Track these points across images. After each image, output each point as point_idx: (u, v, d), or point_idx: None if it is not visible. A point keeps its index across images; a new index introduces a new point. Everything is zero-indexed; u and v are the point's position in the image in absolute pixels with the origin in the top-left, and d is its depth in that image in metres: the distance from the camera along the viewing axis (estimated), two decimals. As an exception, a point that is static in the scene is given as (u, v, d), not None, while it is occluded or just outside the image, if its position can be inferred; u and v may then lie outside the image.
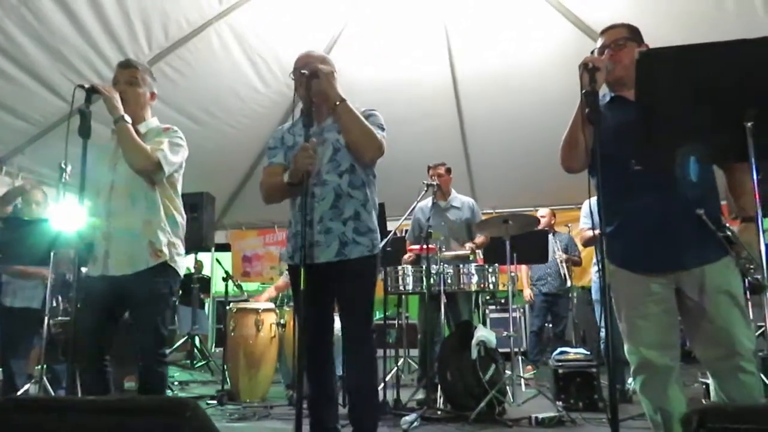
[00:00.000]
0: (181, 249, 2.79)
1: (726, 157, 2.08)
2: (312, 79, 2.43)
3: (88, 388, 2.60)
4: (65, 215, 3.81)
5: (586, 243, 4.87)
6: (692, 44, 1.78)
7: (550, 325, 6.47)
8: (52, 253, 3.63)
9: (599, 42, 2.29)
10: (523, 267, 6.12)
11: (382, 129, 2.61)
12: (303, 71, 2.45)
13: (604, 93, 2.29)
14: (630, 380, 3.83)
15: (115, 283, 2.62)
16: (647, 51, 1.97)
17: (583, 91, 2.03)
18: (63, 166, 3.31)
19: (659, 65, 1.82)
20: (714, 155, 2.04)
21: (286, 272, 3.56)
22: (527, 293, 6.30)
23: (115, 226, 2.66)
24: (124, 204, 2.67)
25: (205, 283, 8.95)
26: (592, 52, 2.25)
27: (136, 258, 2.63)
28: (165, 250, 2.68)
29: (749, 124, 1.79)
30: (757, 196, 1.84)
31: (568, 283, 6.04)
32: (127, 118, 2.65)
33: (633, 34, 2.27)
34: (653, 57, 1.85)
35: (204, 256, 9.16)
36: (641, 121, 1.90)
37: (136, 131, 2.71)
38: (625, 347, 2.21)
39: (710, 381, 2.21)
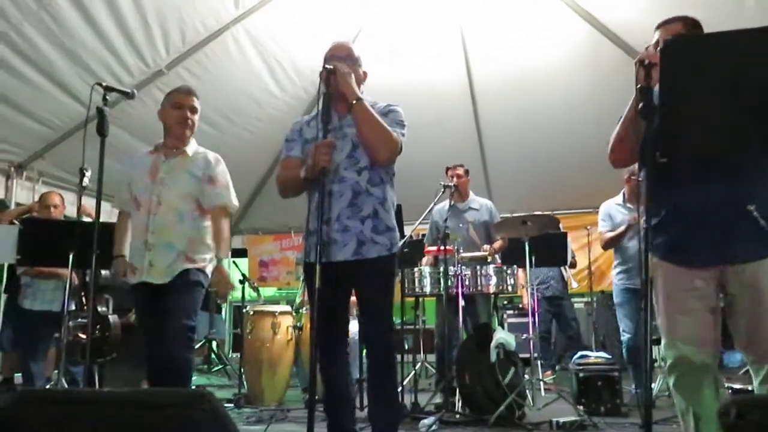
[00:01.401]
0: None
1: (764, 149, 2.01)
2: (330, 75, 2.41)
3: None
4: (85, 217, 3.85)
5: (606, 245, 4.78)
6: (719, 32, 1.74)
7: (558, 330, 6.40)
8: (71, 255, 3.64)
9: (655, 36, 2.23)
10: (520, 271, 5.90)
11: (402, 126, 2.55)
12: (325, 66, 2.43)
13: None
14: (653, 385, 3.76)
15: (155, 288, 2.88)
16: (672, 39, 1.93)
17: (638, 87, 1.98)
18: (84, 170, 3.33)
19: (685, 53, 1.78)
20: (742, 146, 1.98)
21: None
22: (526, 300, 6.21)
23: (158, 239, 2.88)
24: (171, 219, 2.91)
25: (223, 288, 8.95)
26: (647, 48, 2.19)
27: (175, 269, 2.91)
28: (203, 264, 3.01)
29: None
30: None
31: (574, 284, 5.93)
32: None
33: (689, 28, 2.19)
34: (678, 45, 1.81)
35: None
36: (664, 111, 1.85)
37: (184, 153, 2.97)
38: (663, 341, 2.15)
39: (754, 385, 2.13)
